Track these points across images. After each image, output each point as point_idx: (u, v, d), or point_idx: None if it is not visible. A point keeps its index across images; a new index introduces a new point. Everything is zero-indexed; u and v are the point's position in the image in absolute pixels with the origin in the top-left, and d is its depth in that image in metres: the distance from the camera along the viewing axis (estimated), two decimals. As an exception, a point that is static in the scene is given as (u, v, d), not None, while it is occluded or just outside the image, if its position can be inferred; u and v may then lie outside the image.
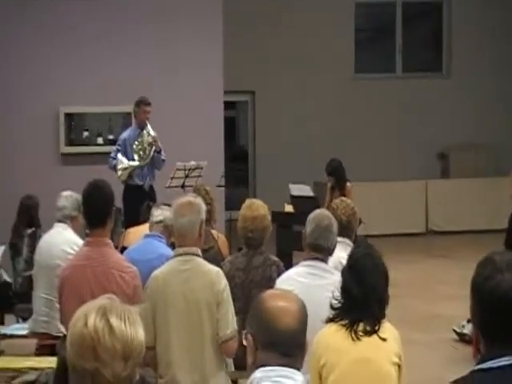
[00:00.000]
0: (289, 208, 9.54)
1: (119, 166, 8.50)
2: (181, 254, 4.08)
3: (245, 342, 2.34)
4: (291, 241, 8.63)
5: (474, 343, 5.63)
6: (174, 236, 4.24)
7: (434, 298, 8.89)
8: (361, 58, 14.85)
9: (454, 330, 7.24)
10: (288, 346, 2.23)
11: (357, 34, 14.83)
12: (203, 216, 4.12)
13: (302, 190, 9.40)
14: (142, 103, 8.67)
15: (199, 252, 4.10)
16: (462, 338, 7.14)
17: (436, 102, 14.61)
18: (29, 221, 6.97)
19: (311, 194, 9.37)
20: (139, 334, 1.89)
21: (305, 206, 8.67)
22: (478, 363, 2.08)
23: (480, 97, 14.69)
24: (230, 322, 4.00)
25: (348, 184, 8.93)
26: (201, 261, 4.08)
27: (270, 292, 2.40)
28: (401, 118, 14.51)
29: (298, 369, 2.26)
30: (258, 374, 2.22)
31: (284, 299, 2.31)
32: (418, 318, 7.73)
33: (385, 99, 14.48)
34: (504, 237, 7.24)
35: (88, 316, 1.88)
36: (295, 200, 9.34)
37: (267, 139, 14.36)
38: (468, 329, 7.05)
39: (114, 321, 1.86)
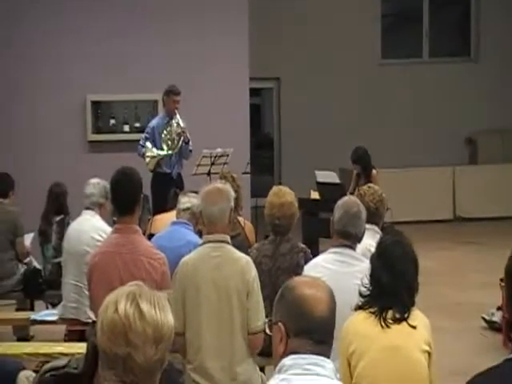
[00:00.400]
0: (315, 195, 9.51)
1: (148, 154, 8.54)
2: (211, 241, 4.08)
3: (268, 331, 2.32)
4: (317, 228, 8.60)
5: (504, 331, 5.58)
6: (203, 223, 4.24)
7: (463, 285, 8.83)
8: (387, 43, 14.73)
9: (483, 318, 7.19)
10: (322, 332, 2.22)
11: (383, 19, 14.71)
12: (232, 203, 4.13)
13: (329, 176, 9.36)
14: (171, 92, 8.67)
15: (229, 239, 4.11)
16: (492, 325, 7.09)
17: (463, 87, 14.46)
18: (58, 208, 7.02)
19: (337, 180, 9.33)
20: (169, 318, 1.93)
21: (331, 192, 8.64)
22: None
23: (508, 81, 14.52)
24: (260, 314, 4.00)
25: (374, 171, 8.88)
26: (231, 248, 4.09)
27: (299, 279, 2.37)
28: (428, 104, 14.39)
29: (328, 357, 2.24)
30: (288, 361, 2.20)
31: (315, 286, 2.29)
32: (447, 306, 7.69)
33: (411, 85, 14.36)
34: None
35: (118, 302, 1.92)
36: (321, 187, 9.31)
37: (292, 126, 14.32)
38: (497, 317, 7.01)
39: (144, 306, 1.90)
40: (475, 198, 13.05)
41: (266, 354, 4.29)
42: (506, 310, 2.14)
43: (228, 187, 4.21)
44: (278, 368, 2.23)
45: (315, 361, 2.18)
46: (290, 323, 2.24)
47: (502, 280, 6.82)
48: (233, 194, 4.18)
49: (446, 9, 15.48)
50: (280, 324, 2.26)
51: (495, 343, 6.81)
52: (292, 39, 14.07)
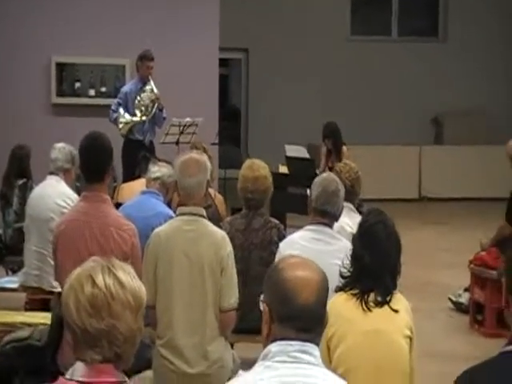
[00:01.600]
0: (283, 169, 9.40)
1: (121, 120, 8.33)
2: (185, 214, 3.94)
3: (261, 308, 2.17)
4: (286, 203, 8.50)
5: (471, 313, 5.56)
6: (178, 194, 4.08)
7: (430, 265, 8.81)
8: (357, 19, 14.63)
9: (450, 299, 7.18)
10: (307, 321, 2.07)
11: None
12: (209, 175, 4.00)
13: (298, 151, 9.26)
14: (145, 58, 8.49)
15: (204, 213, 3.98)
16: (459, 306, 7.08)
17: (431, 67, 14.42)
18: (20, 171, 6.80)
19: (307, 155, 9.23)
20: (142, 286, 1.95)
21: (301, 167, 8.55)
22: (508, 344, 1.96)
23: (476, 62, 14.51)
24: (233, 292, 3.89)
25: (344, 147, 8.80)
26: (206, 222, 3.96)
27: (288, 260, 2.20)
28: (396, 82, 14.33)
29: (317, 344, 2.11)
30: (274, 347, 2.07)
31: (304, 269, 2.12)
32: (414, 286, 7.63)
33: (380, 62, 14.29)
34: (503, 208, 7.13)
35: (94, 276, 1.89)
36: (291, 161, 9.20)
37: (260, 99, 14.17)
38: (464, 298, 7.00)
39: (121, 275, 1.90)
40: (440, 179, 13.07)
41: (236, 331, 4.19)
42: (505, 305, 2.04)
43: (205, 158, 4.08)
44: (263, 354, 2.09)
45: (303, 348, 2.05)
46: (274, 307, 2.10)
47: (470, 262, 6.82)
48: (209, 165, 4.05)
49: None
50: (265, 306, 2.13)
51: (462, 324, 6.82)
52: (262, 11, 13.89)
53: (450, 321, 6.95)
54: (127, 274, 1.91)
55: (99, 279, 1.88)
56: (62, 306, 1.92)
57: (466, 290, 7.02)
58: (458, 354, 5.74)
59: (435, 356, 5.85)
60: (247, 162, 4.89)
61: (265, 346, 2.09)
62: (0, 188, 6.87)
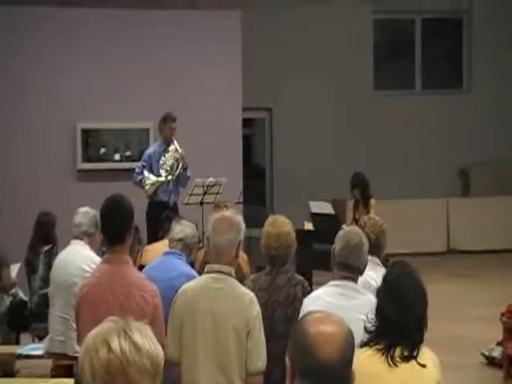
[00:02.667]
0: (309, 226, 9.36)
1: (146, 182, 8.38)
2: (214, 271, 3.90)
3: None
4: (312, 259, 8.45)
5: (504, 367, 5.40)
6: (206, 252, 4.04)
7: (460, 319, 8.66)
8: (380, 74, 14.70)
9: (483, 354, 7.01)
10: (328, 377, 2.01)
11: (375, 50, 14.69)
12: (242, 236, 3.94)
13: (322, 207, 9.23)
14: (168, 119, 8.59)
15: (233, 272, 3.91)
16: (491, 361, 6.91)
17: (456, 119, 14.42)
18: (45, 238, 6.84)
19: (332, 211, 9.19)
20: (160, 348, 1.86)
21: (325, 223, 8.51)
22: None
23: (500, 113, 14.49)
24: (261, 354, 3.80)
25: (372, 200, 8.77)
26: (234, 282, 3.89)
27: (313, 314, 2.16)
28: (421, 135, 14.32)
29: None
30: None
31: (328, 324, 2.08)
32: (444, 340, 7.49)
33: (404, 116, 14.31)
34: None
35: (110, 340, 1.79)
36: (315, 217, 9.17)
37: (285, 157, 14.21)
38: (497, 352, 6.84)
39: (137, 338, 1.81)
40: (469, 231, 12.93)
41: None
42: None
43: (239, 218, 4.01)
44: None
45: None
46: (295, 361, 2.06)
47: (502, 314, 6.68)
48: (243, 225, 3.98)
49: (438, 40, 15.49)
50: (288, 360, 2.08)
51: (496, 380, 6.64)
52: (284, 70, 14.01)
53: (482, 376, 6.78)
54: (144, 338, 1.82)
55: (115, 343, 1.79)
56: (79, 371, 1.84)
57: (498, 343, 6.85)
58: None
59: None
60: (270, 219, 4.84)
61: None
62: (26, 255, 6.89)
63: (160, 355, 1.84)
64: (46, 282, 6.38)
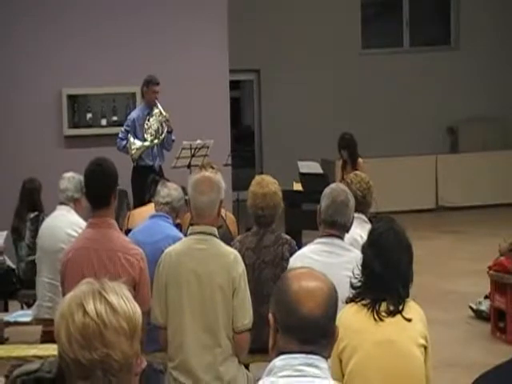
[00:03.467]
0: (297, 186, 9.35)
1: (133, 147, 8.31)
2: (197, 233, 3.88)
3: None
4: (301, 219, 8.45)
5: (492, 320, 5.41)
6: (191, 212, 4.02)
7: (448, 274, 8.72)
8: (367, 32, 14.59)
9: (471, 307, 7.06)
10: (310, 332, 2.01)
11: (363, 9, 14.55)
12: (223, 195, 3.93)
13: (311, 167, 9.20)
14: (150, 83, 8.50)
15: (216, 232, 3.91)
16: (479, 314, 6.96)
17: (444, 76, 14.36)
18: (31, 205, 6.79)
19: (321, 171, 9.17)
20: (137, 307, 1.82)
21: (314, 183, 8.48)
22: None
23: (489, 69, 14.43)
24: (247, 312, 3.81)
25: (360, 159, 8.75)
26: (218, 242, 3.88)
27: (296, 270, 2.16)
28: (409, 93, 14.26)
29: (325, 357, 2.04)
30: (279, 361, 2.00)
31: (311, 280, 2.07)
32: (433, 295, 7.55)
33: (392, 74, 14.23)
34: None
35: (85, 303, 1.76)
36: (304, 177, 9.14)
37: (273, 118, 14.16)
38: (485, 305, 6.88)
39: (113, 299, 1.78)
40: (457, 187, 12.95)
41: (250, 351, 4.11)
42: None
43: (219, 177, 4.00)
44: (268, 369, 2.03)
45: (308, 361, 1.98)
46: (278, 317, 2.06)
47: (489, 268, 6.71)
48: (223, 184, 3.97)
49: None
50: (270, 316, 2.07)
51: (483, 332, 6.70)
52: (271, 31, 13.89)
53: (470, 329, 6.82)
54: (120, 298, 1.79)
55: (90, 306, 1.75)
56: (55, 337, 1.81)
57: (486, 297, 6.89)
58: (479, 362, 5.62)
59: (456, 365, 5.75)
60: (256, 179, 4.82)
61: (271, 357, 2.04)
62: (12, 223, 6.85)
63: (137, 314, 1.80)
64: (32, 249, 6.35)
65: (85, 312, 1.75)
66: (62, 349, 1.76)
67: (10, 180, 9.19)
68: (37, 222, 6.51)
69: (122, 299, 1.79)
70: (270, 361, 2.07)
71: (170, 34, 10.20)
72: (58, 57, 9.95)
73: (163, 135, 8.40)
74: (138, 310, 1.83)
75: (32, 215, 6.70)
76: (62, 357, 1.78)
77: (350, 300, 3.14)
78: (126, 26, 10.09)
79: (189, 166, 8.57)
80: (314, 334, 2.02)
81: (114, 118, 10.12)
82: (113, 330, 1.75)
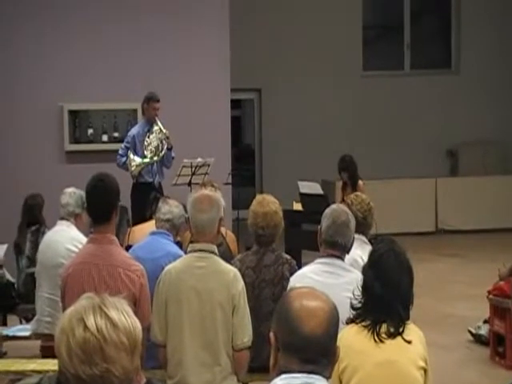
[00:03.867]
0: (297, 206, 9.36)
1: (132, 163, 8.33)
2: (197, 250, 3.89)
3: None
4: (300, 239, 8.46)
5: (491, 345, 5.39)
6: (191, 231, 4.04)
7: (447, 297, 8.70)
8: (369, 54, 14.67)
9: (470, 331, 7.04)
10: (311, 352, 2.01)
11: (364, 31, 14.64)
12: (222, 212, 3.95)
13: (312, 187, 9.21)
14: (151, 99, 8.53)
15: (216, 250, 3.92)
16: (478, 339, 6.94)
17: (444, 99, 14.42)
18: (33, 221, 6.79)
19: (321, 191, 9.18)
20: (138, 323, 1.83)
21: (314, 204, 8.49)
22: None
23: (489, 93, 14.49)
24: (246, 330, 3.82)
25: (360, 182, 8.77)
26: (217, 259, 3.90)
27: (297, 289, 2.17)
28: (409, 116, 14.32)
29: (326, 377, 2.04)
30: (280, 381, 2.00)
31: (313, 299, 2.08)
32: (432, 319, 7.53)
33: (393, 96, 14.30)
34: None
35: (86, 318, 1.77)
36: (304, 198, 9.16)
37: (273, 138, 14.20)
38: (484, 330, 6.86)
39: (113, 314, 1.78)
40: (457, 210, 12.96)
41: (250, 370, 4.11)
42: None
43: (218, 195, 4.03)
44: None
45: (309, 380, 1.98)
46: (280, 336, 2.06)
47: (489, 292, 6.70)
48: (223, 202, 4.00)
49: (427, 20, 15.45)
50: (271, 335, 2.08)
51: (482, 357, 6.67)
52: (273, 50, 13.97)
53: (469, 353, 6.80)
54: (120, 313, 1.80)
55: (90, 321, 1.76)
56: (55, 352, 1.81)
57: (485, 321, 6.88)
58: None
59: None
60: (257, 198, 4.83)
61: (271, 376, 2.04)
62: (15, 239, 6.85)
63: (138, 329, 1.81)
64: (32, 260, 6.35)
65: (85, 327, 1.75)
66: (63, 364, 1.76)
67: (11, 194, 9.22)
68: (37, 234, 6.53)
69: (123, 314, 1.80)
70: (270, 380, 2.07)
71: (172, 53, 10.25)
72: (59, 72, 9.98)
73: (163, 152, 8.43)
74: (138, 325, 1.83)
75: (33, 228, 6.71)
76: (62, 372, 1.78)
77: (350, 321, 3.14)
78: (128, 43, 10.14)
79: (189, 184, 8.59)
80: (315, 353, 2.02)
81: (115, 134, 10.15)
82: (113, 346, 1.75)
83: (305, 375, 1.99)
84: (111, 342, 1.75)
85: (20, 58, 9.97)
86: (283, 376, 2.01)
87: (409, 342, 3.06)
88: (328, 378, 2.07)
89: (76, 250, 5.32)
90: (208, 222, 3.87)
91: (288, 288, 4.03)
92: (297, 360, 2.01)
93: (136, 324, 1.82)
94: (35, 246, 6.24)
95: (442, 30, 15.40)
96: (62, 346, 1.76)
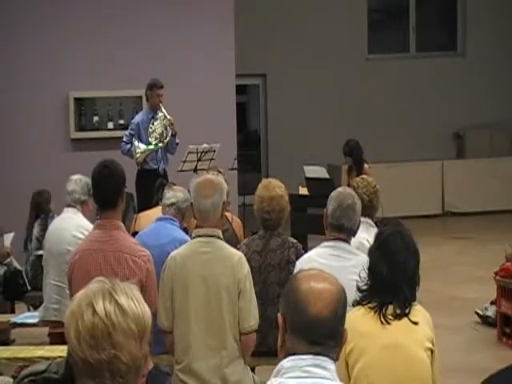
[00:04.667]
0: (303, 191, 9.35)
1: (137, 150, 8.33)
2: (201, 236, 3.89)
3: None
4: (306, 224, 8.46)
5: (498, 326, 5.38)
6: (194, 216, 4.04)
7: (455, 280, 8.71)
8: (374, 38, 14.60)
9: (477, 313, 7.05)
10: (318, 333, 2.02)
11: (369, 14, 14.57)
12: (225, 196, 3.95)
13: (317, 171, 9.20)
14: (154, 86, 8.51)
15: (220, 234, 3.92)
16: (485, 320, 6.95)
17: (450, 82, 14.36)
18: (41, 214, 6.80)
19: (327, 175, 9.17)
20: (147, 309, 1.82)
21: (320, 188, 8.49)
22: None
23: (495, 75, 14.42)
24: (252, 313, 3.82)
25: (366, 165, 8.75)
26: (222, 244, 3.89)
27: (306, 271, 2.17)
28: (415, 98, 14.27)
29: (333, 358, 2.05)
30: (287, 363, 2.01)
31: (321, 281, 2.08)
32: (440, 301, 7.54)
33: (399, 79, 14.25)
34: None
35: (95, 303, 1.76)
36: (310, 182, 9.15)
37: (279, 123, 14.16)
38: (491, 311, 6.87)
39: (123, 301, 1.77)
40: (463, 193, 12.95)
41: (256, 354, 4.12)
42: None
43: (221, 179, 4.03)
44: (276, 370, 2.04)
45: (316, 362, 1.99)
46: (287, 317, 2.07)
47: (496, 273, 6.70)
48: (226, 186, 4.00)
49: (433, 3, 15.36)
50: (279, 316, 2.09)
51: (489, 338, 6.69)
52: (278, 35, 13.91)
53: (477, 335, 6.81)
54: (130, 299, 1.79)
55: (100, 306, 1.75)
56: (65, 335, 1.82)
57: (492, 303, 6.88)
58: (485, 367, 5.58)
59: (461, 371, 5.73)
60: (263, 182, 4.82)
61: (279, 357, 2.05)
62: (25, 234, 6.85)
63: (147, 316, 1.80)
64: (41, 242, 6.33)
65: (94, 312, 1.75)
66: (72, 347, 1.77)
67: (17, 182, 9.25)
68: (46, 218, 6.55)
69: (132, 301, 1.79)
70: (277, 362, 2.08)
71: (176, 39, 10.23)
72: (64, 60, 9.97)
73: (167, 138, 8.42)
74: (148, 311, 1.82)
75: (42, 216, 6.73)
76: (71, 355, 1.79)
77: (356, 303, 3.14)
78: (133, 30, 10.11)
79: (195, 170, 8.58)
80: (322, 334, 2.02)
81: (121, 122, 10.15)
82: (121, 332, 1.75)
83: (311, 356, 2.00)
84: (119, 328, 1.75)
85: (24, 47, 9.95)
86: (290, 357, 2.02)
87: (415, 323, 3.07)
88: (335, 360, 2.07)
89: (83, 236, 5.31)
90: (212, 207, 3.86)
91: (294, 272, 4.03)
92: (304, 341, 2.02)
93: (145, 310, 1.81)
94: (44, 228, 6.25)
95: (447, 12, 15.31)
96: (71, 329, 1.77)
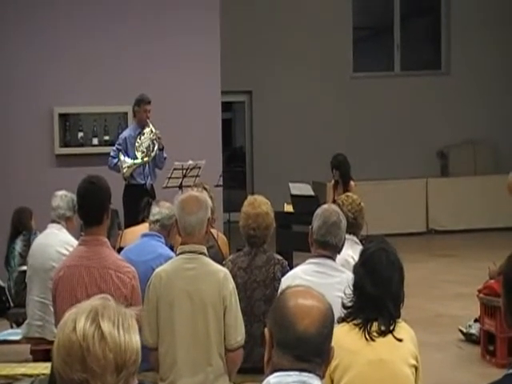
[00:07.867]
0: (289, 208, 9.36)
1: (124, 165, 8.33)
2: (186, 252, 3.89)
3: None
4: (292, 241, 8.46)
5: (482, 343, 5.37)
6: (178, 233, 4.03)
7: (438, 297, 8.73)
8: (359, 56, 14.70)
9: (461, 330, 7.06)
10: (304, 350, 2.02)
11: (354, 32, 14.67)
12: (209, 213, 3.95)
13: (302, 188, 9.22)
14: (142, 102, 8.53)
15: (205, 251, 3.92)
16: (469, 338, 6.96)
17: (435, 100, 14.45)
18: (22, 230, 6.77)
19: (312, 193, 9.18)
20: (134, 341, 1.67)
21: (305, 205, 8.50)
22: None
23: (479, 93, 14.54)
24: (238, 330, 3.83)
25: (352, 182, 8.79)
26: (207, 260, 3.90)
27: (294, 287, 2.19)
28: (400, 117, 14.35)
29: (319, 375, 2.05)
30: (273, 379, 2.01)
31: (309, 298, 2.10)
32: (424, 318, 7.56)
33: (383, 98, 14.33)
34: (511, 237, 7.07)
35: (78, 320, 1.65)
36: (295, 199, 9.16)
37: (264, 140, 14.20)
38: (475, 329, 6.88)
39: (105, 326, 1.65)
40: (448, 211, 13.00)
41: (242, 371, 4.11)
42: (505, 319, 1.97)
43: (205, 196, 4.04)
44: None
45: (302, 378, 1.99)
46: (274, 333, 2.08)
47: (479, 291, 6.72)
48: (210, 203, 4.00)
49: (417, 21, 15.50)
50: (266, 331, 2.09)
51: (473, 356, 6.69)
52: (263, 53, 13.98)
53: (460, 352, 6.81)
54: (115, 326, 1.65)
55: (80, 325, 1.64)
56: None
57: (476, 320, 6.90)
58: (468, 385, 5.63)
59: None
60: (249, 199, 4.82)
61: (266, 372, 2.05)
62: (6, 251, 6.81)
63: (131, 349, 1.65)
64: (24, 258, 6.30)
65: (74, 328, 1.65)
66: (53, 358, 1.70)
67: (3, 199, 9.18)
68: (29, 234, 6.52)
69: (118, 329, 1.66)
70: (264, 378, 2.08)
71: (162, 55, 10.25)
72: (49, 76, 9.96)
73: (154, 153, 8.44)
74: (137, 345, 1.68)
75: (24, 232, 6.69)
76: (54, 367, 1.72)
77: (341, 320, 3.15)
78: (119, 47, 10.12)
79: (180, 187, 8.57)
80: (308, 351, 2.03)
81: (106, 138, 10.13)
82: (95, 359, 1.63)
83: (297, 373, 2.00)
84: (94, 353, 1.62)
85: (9, 62, 9.94)
86: (276, 374, 2.02)
87: (400, 340, 3.08)
88: (321, 377, 2.08)
89: (67, 252, 5.28)
90: (196, 224, 3.87)
91: (280, 289, 4.04)
92: (290, 357, 2.02)
93: (131, 342, 1.66)
94: (28, 244, 6.23)
95: (431, 30, 15.45)
96: (55, 340, 1.70)
